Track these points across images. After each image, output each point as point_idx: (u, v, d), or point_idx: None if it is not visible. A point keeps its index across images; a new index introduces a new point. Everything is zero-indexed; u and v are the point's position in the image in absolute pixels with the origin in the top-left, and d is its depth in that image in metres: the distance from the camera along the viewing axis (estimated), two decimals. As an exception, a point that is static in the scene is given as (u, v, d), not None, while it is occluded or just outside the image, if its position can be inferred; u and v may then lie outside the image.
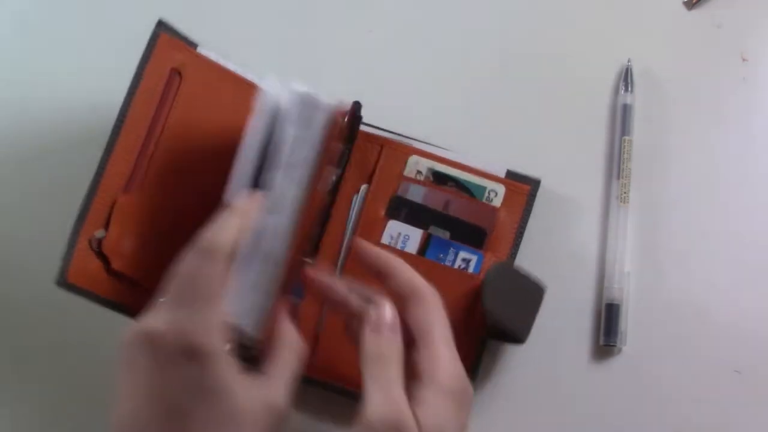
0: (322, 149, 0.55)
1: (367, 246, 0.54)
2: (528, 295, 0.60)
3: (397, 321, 0.50)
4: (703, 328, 0.62)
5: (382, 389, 0.48)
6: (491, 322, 0.58)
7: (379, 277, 0.53)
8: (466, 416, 0.50)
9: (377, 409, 0.47)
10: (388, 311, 0.51)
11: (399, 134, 0.63)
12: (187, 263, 0.48)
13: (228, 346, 0.48)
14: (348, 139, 0.62)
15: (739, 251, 0.63)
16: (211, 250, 0.48)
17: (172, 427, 0.46)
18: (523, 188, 0.62)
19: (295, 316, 0.55)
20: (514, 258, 0.62)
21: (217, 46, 0.62)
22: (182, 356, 0.46)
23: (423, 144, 0.63)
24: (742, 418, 0.61)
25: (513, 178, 0.63)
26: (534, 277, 0.60)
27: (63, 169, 0.66)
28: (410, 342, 0.50)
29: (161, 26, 0.59)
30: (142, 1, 0.68)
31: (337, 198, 0.62)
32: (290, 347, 0.52)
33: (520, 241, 0.62)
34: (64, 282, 0.56)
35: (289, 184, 0.55)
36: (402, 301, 0.51)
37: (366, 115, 0.62)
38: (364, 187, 0.63)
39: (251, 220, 0.52)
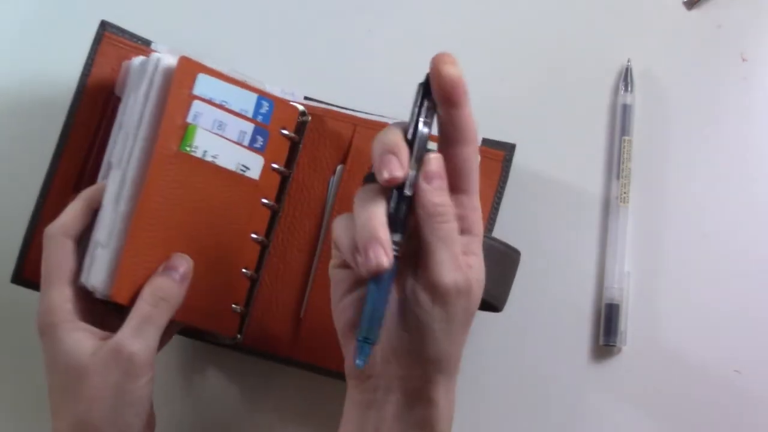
0: (156, 109, 0.55)
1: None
2: (501, 261, 0.58)
3: (444, 172, 0.47)
4: (703, 328, 0.62)
5: (450, 251, 0.47)
6: None
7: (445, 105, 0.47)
8: None
9: (450, 274, 0.46)
10: (434, 160, 0.47)
11: (371, 113, 0.62)
12: (43, 252, 0.55)
13: (74, 315, 0.54)
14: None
15: (739, 251, 0.63)
16: (50, 235, 0.55)
17: (52, 397, 0.54)
18: (498, 154, 0.62)
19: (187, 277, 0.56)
20: (493, 226, 0.61)
21: (216, 50, 0.62)
22: (40, 336, 0.54)
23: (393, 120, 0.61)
24: (742, 418, 0.61)
25: (486, 145, 0.62)
26: (506, 243, 0.59)
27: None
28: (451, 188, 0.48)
29: (105, 26, 0.60)
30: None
31: (314, 179, 0.62)
32: (148, 297, 0.54)
33: (498, 209, 0.62)
34: (20, 278, 0.58)
35: (123, 143, 0.55)
36: (450, 141, 0.48)
37: (347, 97, 0.62)
38: (339, 167, 0.62)
39: (94, 203, 0.55)
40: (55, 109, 0.61)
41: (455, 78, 0.46)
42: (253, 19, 0.70)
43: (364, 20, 0.69)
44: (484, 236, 0.57)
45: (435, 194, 0.47)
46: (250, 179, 0.58)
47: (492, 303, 0.58)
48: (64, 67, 0.61)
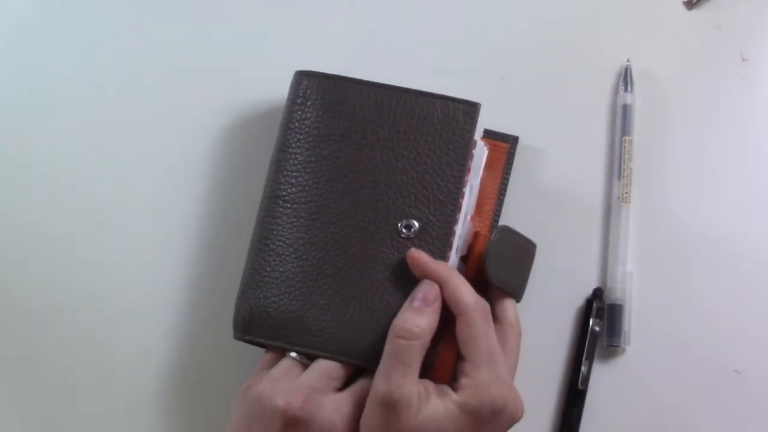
0: None
1: (422, 257, 0.55)
2: (522, 253, 0.60)
3: (432, 304, 0.53)
4: (703, 328, 0.62)
5: (387, 364, 0.51)
6: (495, 284, 0.58)
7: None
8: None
9: (379, 381, 0.51)
10: (423, 284, 0.54)
11: None
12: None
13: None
14: None
15: (739, 251, 0.63)
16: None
17: None
18: (502, 146, 0.62)
19: None
20: (499, 217, 0.62)
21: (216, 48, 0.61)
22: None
23: None
24: (742, 418, 0.61)
25: (490, 137, 0.62)
26: (523, 235, 0.60)
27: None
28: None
29: None
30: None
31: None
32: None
33: (503, 201, 0.62)
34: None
35: None
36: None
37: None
38: None
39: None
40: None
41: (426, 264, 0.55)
42: (252, 17, 0.69)
43: (364, 20, 0.68)
44: (508, 228, 0.59)
45: (407, 312, 0.53)
46: None
47: (510, 294, 0.59)
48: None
